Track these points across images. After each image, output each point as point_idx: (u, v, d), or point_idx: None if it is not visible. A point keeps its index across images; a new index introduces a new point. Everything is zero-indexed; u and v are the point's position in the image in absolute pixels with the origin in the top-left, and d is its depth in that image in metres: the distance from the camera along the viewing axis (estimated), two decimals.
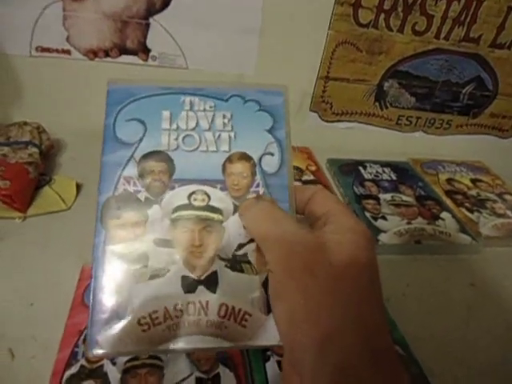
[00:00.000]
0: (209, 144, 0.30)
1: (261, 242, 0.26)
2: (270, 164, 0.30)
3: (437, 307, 0.49)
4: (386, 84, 0.78)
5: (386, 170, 0.74)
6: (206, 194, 0.29)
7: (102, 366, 0.35)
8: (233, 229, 0.28)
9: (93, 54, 0.68)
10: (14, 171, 0.53)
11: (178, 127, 0.30)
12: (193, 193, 0.29)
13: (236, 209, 0.29)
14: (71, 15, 0.64)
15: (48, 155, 0.64)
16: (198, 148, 0.30)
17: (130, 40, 0.68)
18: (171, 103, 0.30)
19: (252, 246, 0.28)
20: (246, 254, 0.28)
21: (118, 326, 0.25)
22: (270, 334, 0.26)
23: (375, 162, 0.75)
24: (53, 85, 0.69)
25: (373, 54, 0.74)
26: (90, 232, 0.51)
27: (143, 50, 0.69)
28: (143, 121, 0.30)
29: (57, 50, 0.66)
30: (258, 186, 0.30)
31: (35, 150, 0.59)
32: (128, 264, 0.27)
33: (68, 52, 0.67)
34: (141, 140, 0.29)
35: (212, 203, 0.28)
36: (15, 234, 0.50)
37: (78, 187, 0.58)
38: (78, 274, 0.44)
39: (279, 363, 0.37)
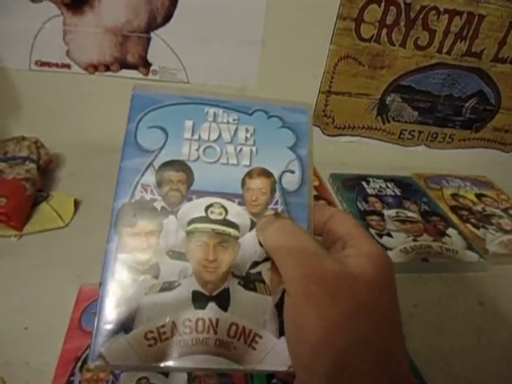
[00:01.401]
0: (230, 157, 0.29)
1: (279, 261, 0.25)
2: (291, 182, 0.29)
3: (445, 328, 0.48)
4: (389, 98, 0.78)
5: (389, 184, 0.73)
6: (224, 207, 0.28)
7: None
8: (248, 246, 0.28)
9: (93, 68, 0.67)
10: (11, 188, 0.52)
11: (199, 138, 0.30)
12: (210, 205, 0.28)
13: (253, 225, 0.28)
14: (71, 29, 0.63)
15: (46, 170, 0.62)
16: (218, 160, 0.29)
17: (130, 54, 0.67)
18: (195, 113, 0.30)
19: (267, 264, 0.27)
20: (260, 273, 0.27)
21: (124, 339, 0.24)
22: (280, 359, 0.25)
23: (378, 177, 0.74)
24: (52, 99, 0.68)
25: (375, 69, 0.74)
26: (87, 251, 0.50)
27: (144, 65, 0.68)
28: (165, 129, 0.29)
29: (56, 65, 0.66)
30: (276, 203, 0.29)
31: (33, 165, 0.57)
32: (138, 274, 0.26)
33: (68, 66, 0.66)
34: (161, 148, 0.29)
35: (229, 218, 0.28)
36: (10, 252, 0.49)
37: (76, 204, 0.57)
38: (76, 296, 0.43)
39: None
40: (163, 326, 0.25)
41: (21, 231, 0.51)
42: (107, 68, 0.67)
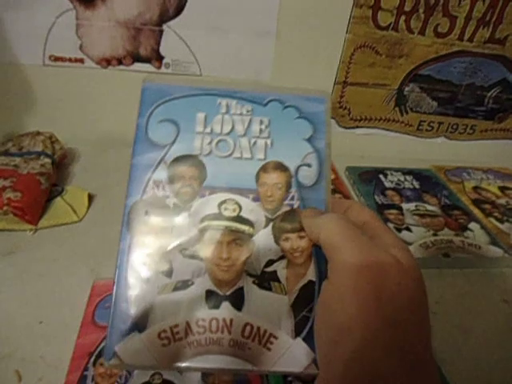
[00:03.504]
0: (243, 151, 0.28)
1: (336, 246, 0.24)
2: (307, 176, 0.28)
3: (468, 326, 0.46)
4: (407, 88, 0.75)
5: (407, 177, 0.70)
6: (238, 204, 0.27)
7: None
8: (263, 243, 0.27)
9: (106, 62, 0.67)
10: (26, 182, 0.52)
11: (212, 131, 0.28)
12: (223, 202, 0.27)
13: (268, 222, 0.27)
14: (84, 23, 0.63)
15: (60, 165, 0.63)
16: (231, 154, 0.28)
17: (143, 47, 0.67)
18: (207, 105, 0.29)
19: (283, 263, 0.26)
20: (275, 272, 0.26)
21: (138, 338, 0.24)
22: (295, 360, 0.24)
23: (396, 170, 0.72)
24: (66, 94, 0.68)
25: (393, 58, 0.72)
26: (101, 245, 0.50)
27: (157, 58, 0.68)
28: (176, 122, 0.28)
29: (70, 59, 0.66)
30: (292, 198, 0.28)
31: (47, 160, 0.57)
32: (152, 273, 0.25)
33: (81, 61, 0.66)
34: (173, 142, 0.28)
35: (243, 214, 0.27)
36: (26, 247, 0.49)
37: (90, 198, 0.57)
38: (89, 290, 0.42)
39: None
40: (177, 326, 0.24)
41: (36, 225, 0.51)
42: (120, 62, 0.67)
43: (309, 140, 0.29)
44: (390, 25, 0.68)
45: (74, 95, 0.68)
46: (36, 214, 0.51)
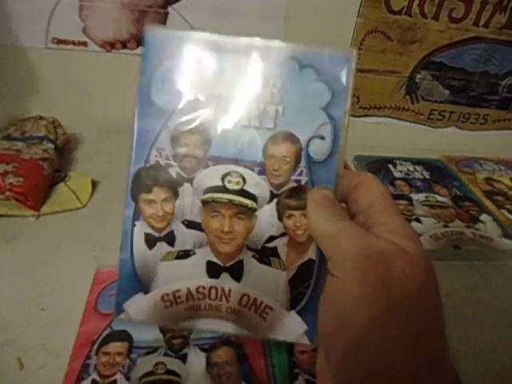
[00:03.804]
0: (251, 118, 0.25)
1: (326, 244, 0.23)
2: (319, 150, 0.25)
3: (480, 320, 0.44)
4: (419, 76, 0.73)
5: (417, 167, 0.69)
6: (242, 176, 0.26)
7: (115, 381, 0.32)
8: (266, 219, 0.26)
9: (110, 45, 0.65)
10: (28, 168, 0.51)
11: (219, 94, 0.25)
12: (227, 174, 0.26)
13: (272, 197, 0.26)
14: (87, 5, 0.61)
15: (64, 150, 0.62)
16: (238, 122, 0.25)
17: None
18: (214, 62, 0.25)
19: (283, 239, 0.26)
20: (275, 248, 0.26)
21: (143, 298, 0.26)
22: (288, 330, 0.25)
23: (406, 160, 0.71)
24: (69, 78, 0.67)
25: (405, 44, 0.69)
26: (104, 232, 0.49)
27: None
28: (181, 83, 0.25)
29: (73, 42, 0.64)
30: (300, 174, 0.26)
31: (50, 145, 0.56)
32: (155, 240, 0.26)
33: (84, 44, 0.65)
34: (177, 106, 0.25)
35: (247, 188, 0.26)
36: (28, 233, 0.48)
37: (94, 184, 0.56)
38: (92, 278, 0.42)
39: (308, 381, 0.34)
40: (178, 291, 0.26)
41: (38, 211, 0.50)
42: (124, 45, 0.65)
43: (325, 108, 0.25)
44: (402, 9, 0.66)
45: (78, 79, 0.67)
46: (38, 200, 0.50)
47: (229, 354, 0.35)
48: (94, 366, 0.33)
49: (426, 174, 0.67)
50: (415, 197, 0.61)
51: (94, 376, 0.32)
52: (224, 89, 0.26)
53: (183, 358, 0.34)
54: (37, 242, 0.47)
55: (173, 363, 0.34)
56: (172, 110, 0.26)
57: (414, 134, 0.78)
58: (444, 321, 0.21)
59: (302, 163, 0.26)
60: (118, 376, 0.32)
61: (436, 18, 0.67)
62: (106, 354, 0.34)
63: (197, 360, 0.34)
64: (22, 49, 0.63)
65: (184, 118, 0.26)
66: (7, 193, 0.48)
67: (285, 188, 0.26)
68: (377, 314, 0.20)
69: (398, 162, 0.70)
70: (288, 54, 0.25)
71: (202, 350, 0.35)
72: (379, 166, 0.68)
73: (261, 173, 0.26)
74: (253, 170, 0.26)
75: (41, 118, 0.61)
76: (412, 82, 0.74)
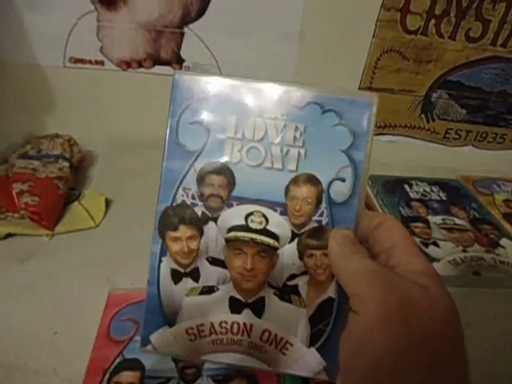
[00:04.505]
0: (274, 160, 0.27)
1: (349, 281, 0.24)
2: (340, 192, 0.26)
3: (502, 351, 0.43)
4: (435, 95, 0.72)
5: (434, 188, 0.67)
6: (265, 216, 0.27)
7: None
8: (287, 257, 0.27)
9: (126, 64, 0.66)
10: (44, 187, 0.51)
11: (243, 136, 0.27)
12: (251, 213, 0.27)
13: (294, 237, 0.27)
14: (105, 25, 0.62)
15: (79, 168, 0.62)
16: (262, 164, 0.27)
17: (163, 50, 0.65)
18: (239, 106, 0.26)
19: (304, 278, 0.27)
20: (296, 286, 0.27)
21: (169, 331, 0.27)
22: (308, 366, 0.26)
23: (422, 180, 0.69)
24: (86, 96, 0.68)
25: (420, 63, 0.69)
26: (117, 252, 0.49)
27: (177, 61, 0.66)
28: (207, 125, 0.27)
29: (90, 61, 0.65)
30: (321, 215, 0.27)
31: (66, 163, 0.57)
32: (180, 276, 0.27)
33: (101, 63, 0.65)
34: (203, 148, 0.27)
35: (269, 227, 0.27)
36: (42, 253, 0.48)
37: (108, 203, 0.56)
38: (105, 300, 0.41)
39: None
40: (202, 325, 0.26)
41: (52, 231, 0.50)
42: (140, 64, 0.66)
43: (346, 151, 0.26)
44: (418, 29, 0.65)
45: (94, 97, 0.68)
46: (53, 219, 0.51)
47: (241, 383, 0.34)
48: None
49: (443, 195, 0.66)
50: (432, 219, 0.59)
51: None
52: (248, 131, 0.27)
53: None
54: (50, 263, 0.47)
55: None
56: (198, 152, 0.27)
57: (430, 153, 0.77)
58: (466, 357, 0.22)
59: (323, 204, 0.26)
60: None
61: (453, 37, 0.66)
62: (117, 383, 0.33)
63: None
64: (40, 68, 0.64)
65: (210, 160, 0.27)
66: (22, 212, 0.48)
67: (306, 228, 0.27)
68: (396, 345, 0.21)
69: (413, 182, 0.69)
70: (310, 98, 0.26)
71: (215, 381, 0.34)
72: (395, 186, 0.67)
73: (283, 213, 0.27)
74: (275, 210, 0.27)
75: (57, 135, 0.61)
76: (428, 101, 0.73)
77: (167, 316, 0.27)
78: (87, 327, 0.38)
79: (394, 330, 0.21)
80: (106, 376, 0.33)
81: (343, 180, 0.26)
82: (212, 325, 0.26)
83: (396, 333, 0.21)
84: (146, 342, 0.27)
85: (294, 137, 0.26)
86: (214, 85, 0.27)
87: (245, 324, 0.26)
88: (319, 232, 0.26)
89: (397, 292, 0.22)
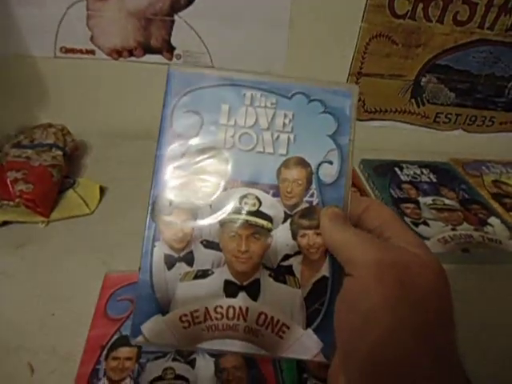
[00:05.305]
0: (266, 145, 0.28)
1: (343, 248, 0.25)
2: (328, 173, 0.28)
3: (489, 325, 0.44)
4: (424, 79, 0.73)
5: (424, 171, 0.68)
6: (258, 198, 0.28)
7: None
8: (281, 238, 0.27)
9: (117, 53, 0.66)
10: (38, 174, 0.52)
11: (235, 123, 0.28)
12: (244, 196, 0.28)
13: (286, 218, 0.28)
14: (95, 14, 0.62)
15: (72, 157, 0.62)
16: (254, 148, 0.28)
17: (154, 38, 0.66)
18: (231, 96, 0.28)
19: (298, 258, 0.27)
20: (290, 266, 0.27)
21: (161, 320, 0.26)
22: (305, 349, 0.26)
23: (412, 163, 0.70)
24: (77, 86, 0.68)
25: (409, 47, 0.69)
26: (113, 237, 0.49)
27: (167, 49, 0.67)
28: (201, 113, 0.28)
29: (81, 51, 0.65)
30: (312, 195, 0.28)
31: (59, 152, 0.57)
32: (174, 261, 0.27)
33: (92, 52, 0.66)
34: (197, 134, 0.28)
35: (263, 209, 0.27)
36: (38, 239, 0.49)
37: (102, 191, 0.57)
38: (101, 283, 0.42)
39: None
40: (196, 311, 0.26)
41: (48, 218, 0.51)
42: (131, 53, 0.66)
43: (332, 136, 0.28)
44: (407, 13, 0.66)
45: (85, 87, 0.68)
46: (48, 206, 0.51)
47: (237, 359, 0.35)
48: (103, 371, 0.33)
49: (433, 177, 0.67)
50: (422, 200, 0.61)
51: (104, 381, 0.32)
52: (240, 119, 0.28)
53: (192, 363, 0.34)
54: (46, 248, 0.47)
55: (182, 368, 0.34)
56: (192, 138, 0.28)
57: (420, 138, 0.78)
58: (454, 326, 0.23)
59: (313, 185, 0.28)
60: (128, 381, 0.32)
61: (440, 21, 0.67)
62: (115, 358, 0.34)
63: (205, 365, 0.34)
64: (31, 58, 0.64)
65: (203, 145, 0.28)
66: (17, 199, 0.49)
67: (298, 208, 0.28)
68: (390, 302, 0.21)
69: (404, 165, 0.70)
70: (297, 89, 0.28)
71: (211, 355, 0.35)
72: (385, 170, 0.68)
73: (275, 195, 0.28)
74: (268, 192, 0.28)
75: (50, 125, 0.62)
76: (417, 85, 0.74)
77: (160, 304, 0.26)
78: (84, 308, 0.39)
79: (388, 288, 0.22)
80: (104, 352, 0.34)
81: (331, 162, 0.28)
82: (207, 310, 0.26)
83: (390, 291, 0.22)
84: (136, 332, 0.26)
85: (284, 123, 0.28)
86: (206, 77, 0.28)
87: (240, 308, 0.26)
88: (311, 212, 0.28)
89: (391, 256, 0.23)
